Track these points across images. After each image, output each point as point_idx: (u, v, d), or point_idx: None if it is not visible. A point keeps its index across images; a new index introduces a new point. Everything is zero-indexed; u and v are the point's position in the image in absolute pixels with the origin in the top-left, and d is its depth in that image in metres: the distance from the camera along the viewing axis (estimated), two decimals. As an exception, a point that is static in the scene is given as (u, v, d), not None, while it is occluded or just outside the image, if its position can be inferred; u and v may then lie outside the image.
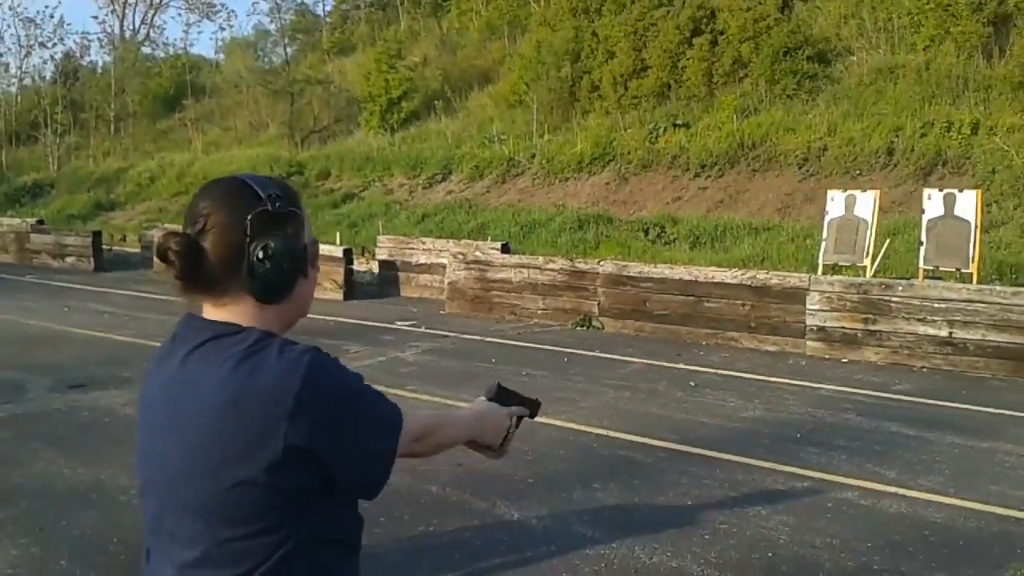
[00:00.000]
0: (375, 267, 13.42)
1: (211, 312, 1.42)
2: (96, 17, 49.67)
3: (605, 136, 17.23)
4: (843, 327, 8.79)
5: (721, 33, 17.44)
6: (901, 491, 5.01)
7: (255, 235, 1.37)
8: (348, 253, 12.87)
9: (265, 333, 1.39)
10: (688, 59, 17.44)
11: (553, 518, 4.60)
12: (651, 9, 18.64)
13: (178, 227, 1.47)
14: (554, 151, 17.62)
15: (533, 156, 17.91)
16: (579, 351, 8.96)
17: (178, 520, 1.36)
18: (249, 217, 1.37)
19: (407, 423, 1.44)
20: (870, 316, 8.67)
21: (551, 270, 10.65)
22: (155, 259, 1.55)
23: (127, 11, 36.29)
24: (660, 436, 6.00)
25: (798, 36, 16.63)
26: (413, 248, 13.08)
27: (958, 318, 8.25)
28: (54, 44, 34.02)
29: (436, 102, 21.62)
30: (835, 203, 10.44)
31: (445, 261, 11.80)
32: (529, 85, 19.60)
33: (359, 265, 13.45)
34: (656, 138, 16.55)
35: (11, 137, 30.25)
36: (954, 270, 9.54)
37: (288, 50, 28.93)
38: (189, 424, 1.35)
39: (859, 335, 8.73)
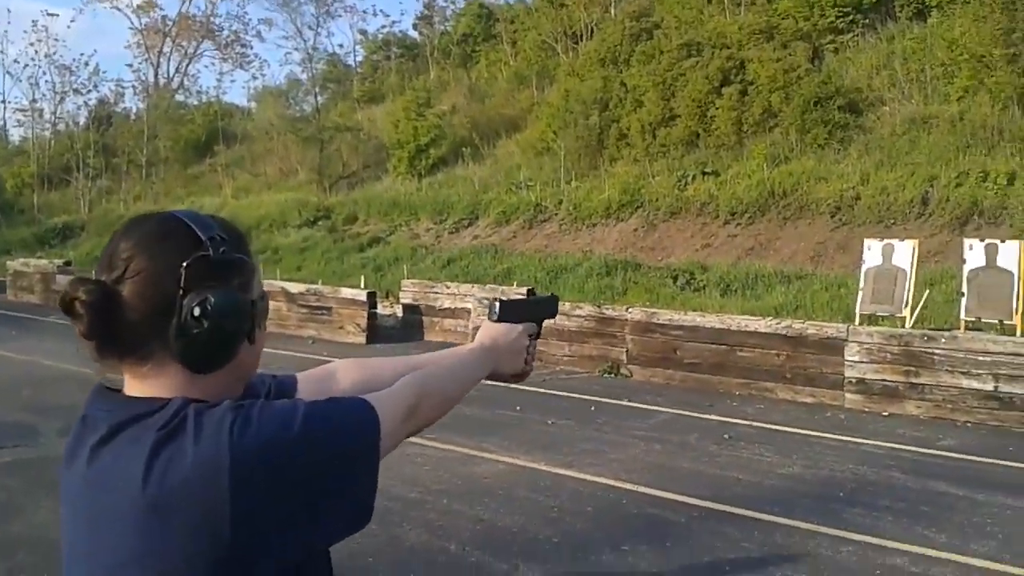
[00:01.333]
0: (399, 311, 13.23)
1: (130, 383, 1.13)
2: (131, 65, 50.55)
3: (633, 183, 17.07)
4: (884, 379, 8.44)
5: (751, 83, 17.33)
6: (954, 557, 4.66)
7: (190, 286, 1.08)
8: (371, 296, 12.71)
9: (185, 402, 1.08)
10: (717, 108, 17.32)
11: (580, 581, 4.31)
12: (680, 60, 18.58)
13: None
14: (581, 197, 17.48)
15: (560, 202, 17.78)
16: (606, 399, 8.67)
17: None
18: (185, 264, 1.08)
19: (383, 409, 1.16)
20: (912, 368, 8.32)
21: (578, 316, 10.40)
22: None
23: (162, 60, 36.91)
24: (693, 493, 5.68)
25: (829, 86, 16.47)
26: (438, 292, 12.88)
27: (1004, 371, 7.88)
28: (88, 91, 34.38)
29: (464, 149, 21.64)
30: (872, 252, 10.13)
31: (470, 305, 11.58)
32: (557, 133, 19.55)
33: (383, 309, 13.27)
34: (685, 185, 16.37)
35: (43, 180, 30.64)
36: (997, 322, 9.17)
37: (319, 99, 29.21)
38: (106, 545, 1.06)
39: (900, 388, 8.37)
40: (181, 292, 1.08)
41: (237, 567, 1.03)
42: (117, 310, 1.08)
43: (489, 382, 1.52)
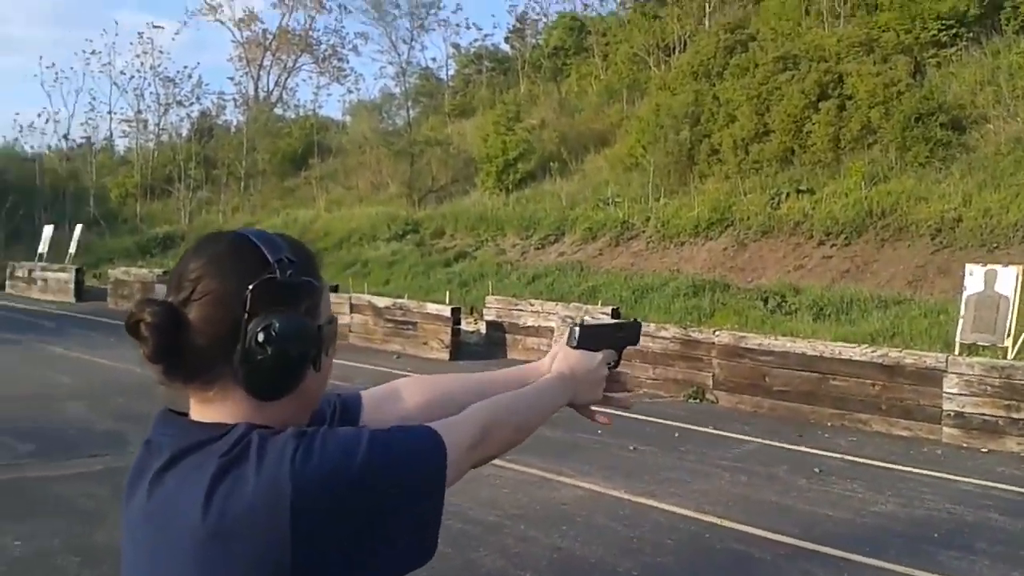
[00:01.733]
0: (483, 328, 13.25)
1: (196, 408, 1.11)
2: (232, 79, 52.21)
3: (724, 200, 16.76)
4: (984, 413, 8.05)
5: (849, 98, 16.84)
6: (1059, 610, 4.38)
7: (256, 310, 1.06)
8: (456, 312, 12.77)
9: (249, 428, 1.06)
10: (814, 123, 16.88)
11: (658, 619, 4.19)
12: (775, 73, 18.19)
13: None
14: (670, 215, 17.24)
15: (648, 219, 17.57)
16: (691, 426, 8.49)
17: None
18: (251, 287, 1.06)
19: (451, 438, 1.12)
20: (1014, 402, 7.93)
21: (663, 338, 10.24)
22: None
23: (262, 74, 37.99)
24: (780, 529, 5.48)
25: (931, 102, 15.87)
26: (521, 310, 12.86)
27: (1118, 409, 7.43)
28: (191, 103, 35.57)
29: (552, 164, 21.61)
30: (974, 278, 9.71)
31: (553, 324, 11.52)
32: (646, 148, 19.35)
33: (467, 325, 13.32)
34: (778, 204, 15.99)
35: (146, 190, 31.79)
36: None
37: (411, 112, 29.61)
38: (168, 573, 1.04)
39: (1001, 423, 7.98)
40: (247, 316, 1.05)
41: None
42: (183, 333, 1.06)
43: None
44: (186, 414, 1.12)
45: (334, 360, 1.18)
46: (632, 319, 1.57)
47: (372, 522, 1.03)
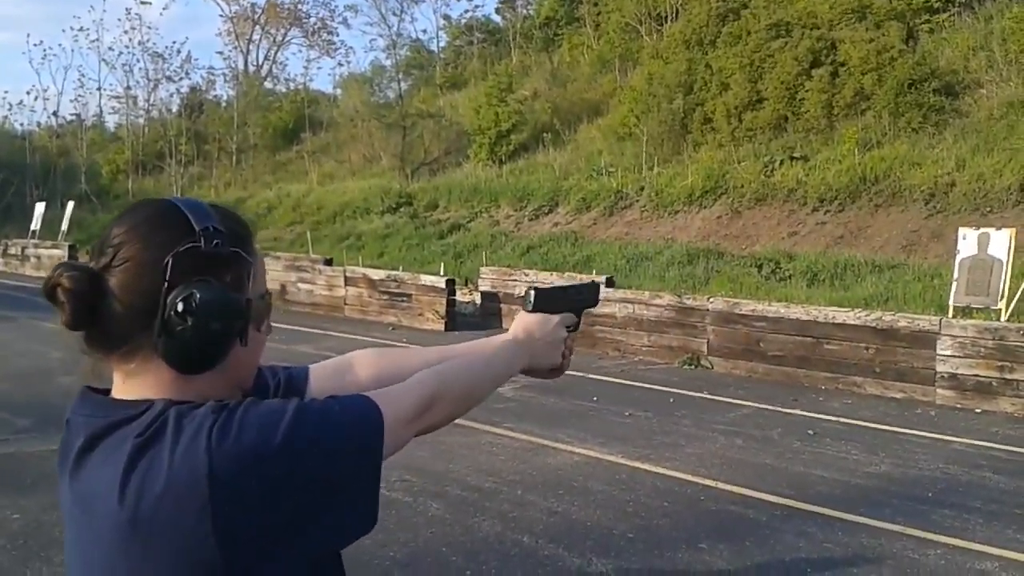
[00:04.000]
0: (477, 298, 13.26)
1: (119, 382, 1.06)
2: (221, 53, 51.76)
3: (718, 169, 16.72)
4: (977, 375, 8.10)
5: (842, 65, 16.76)
6: (1051, 564, 4.43)
7: (177, 280, 1.01)
8: (450, 284, 12.76)
9: (168, 405, 1.00)
10: (807, 91, 16.82)
11: (654, 579, 4.22)
12: (768, 41, 18.09)
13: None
14: (664, 184, 17.21)
15: (642, 189, 17.54)
16: (686, 392, 8.52)
17: None
18: (172, 255, 1.01)
19: (389, 408, 1.07)
20: (1007, 364, 7.96)
21: (658, 306, 10.25)
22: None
23: (251, 48, 37.67)
24: (775, 491, 5.52)
25: (924, 68, 15.81)
26: (516, 280, 12.85)
27: (1110, 369, 7.48)
28: (181, 78, 35.32)
29: (545, 135, 21.54)
30: (967, 242, 9.71)
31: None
32: (639, 117, 19.27)
33: (462, 296, 13.32)
34: (772, 171, 15.95)
35: (138, 167, 31.63)
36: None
37: (402, 85, 29.42)
38: (91, 565, 1.01)
39: (994, 384, 8.02)
40: (167, 285, 1.01)
41: None
42: (102, 300, 1.01)
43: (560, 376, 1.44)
44: (108, 391, 1.08)
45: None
46: (589, 280, 1.54)
47: (301, 498, 0.99)
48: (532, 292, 1.43)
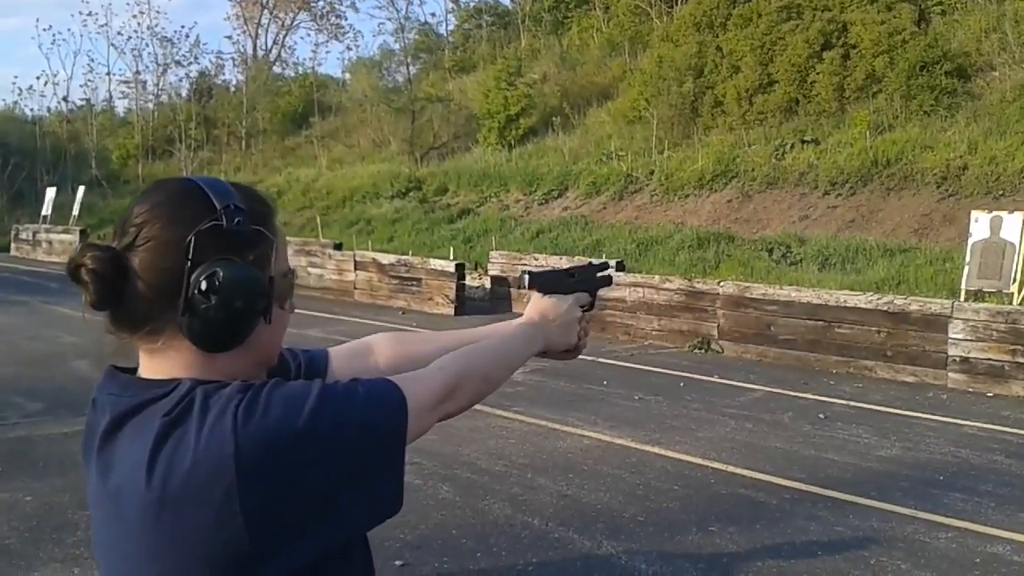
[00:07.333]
0: (487, 283, 13.25)
1: (144, 361, 1.06)
2: (230, 37, 51.70)
3: (728, 152, 16.64)
4: (989, 359, 8.06)
5: (853, 47, 16.64)
6: (1063, 548, 4.42)
7: (200, 258, 1.01)
8: (460, 268, 12.77)
9: (194, 384, 1.01)
10: (818, 73, 16.70)
11: (664, 562, 4.21)
12: (779, 23, 17.97)
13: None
14: (674, 168, 17.13)
15: (652, 173, 17.46)
16: (696, 376, 8.51)
17: None
18: (194, 233, 1.01)
19: (412, 392, 1.08)
20: (1019, 347, 7.94)
21: (668, 290, 10.23)
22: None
23: (260, 32, 37.58)
24: (786, 474, 5.52)
25: (936, 50, 15.67)
26: (525, 264, 12.84)
27: (1124, 353, 7.43)
28: (190, 63, 35.24)
29: (554, 119, 21.44)
30: (979, 225, 9.65)
31: (558, 279, 11.51)
32: (649, 101, 19.17)
33: (472, 281, 13.32)
34: (783, 155, 15.87)
35: (147, 151, 31.64)
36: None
37: (411, 69, 29.30)
38: (118, 545, 1.01)
39: (1006, 368, 7.99)
40: (190, 264, 1.01)
41: (257, 563, 0.97)
42: (126, 280, 1.02)
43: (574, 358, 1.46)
44: (134, 370, 1.08)
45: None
46: (588, 261, 1.53)
47: (326, 480, 0.99)
48: (526, 276, 1.44)
